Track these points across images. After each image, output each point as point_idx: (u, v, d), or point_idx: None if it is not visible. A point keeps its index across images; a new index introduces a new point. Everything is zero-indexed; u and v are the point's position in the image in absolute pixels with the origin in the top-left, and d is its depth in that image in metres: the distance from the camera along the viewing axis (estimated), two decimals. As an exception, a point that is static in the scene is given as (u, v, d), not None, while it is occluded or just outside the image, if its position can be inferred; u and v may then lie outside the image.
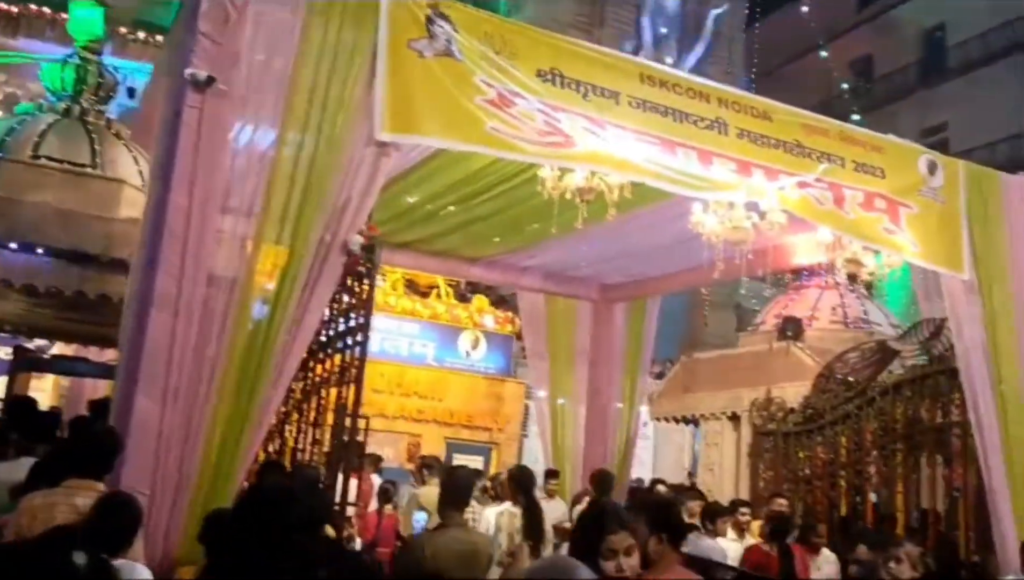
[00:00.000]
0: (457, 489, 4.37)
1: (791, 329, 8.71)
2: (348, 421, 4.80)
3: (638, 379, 11.13)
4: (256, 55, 4.55)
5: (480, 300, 14.39)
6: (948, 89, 23.15)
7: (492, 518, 7.09)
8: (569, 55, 5.42)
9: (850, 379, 7.30)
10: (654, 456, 17.03)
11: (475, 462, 13.25)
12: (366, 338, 5.01)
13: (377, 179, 4.83)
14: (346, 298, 4.95)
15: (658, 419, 10.62)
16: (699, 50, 26.51)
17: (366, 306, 4.93)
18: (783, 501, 6.80)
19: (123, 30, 13.26)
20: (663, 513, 3.11)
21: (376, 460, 8.92)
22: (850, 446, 7.34)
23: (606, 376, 11.01)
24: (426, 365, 13.62)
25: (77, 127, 7.02)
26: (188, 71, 4.36)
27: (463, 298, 14.48)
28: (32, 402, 5.45)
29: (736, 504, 7.13)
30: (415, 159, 7.30)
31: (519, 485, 7.19)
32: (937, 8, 24.44)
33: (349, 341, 4.99)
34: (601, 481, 8.08)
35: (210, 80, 4.35)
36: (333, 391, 4.95)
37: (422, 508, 7.14)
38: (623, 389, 11.04)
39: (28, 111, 7.30)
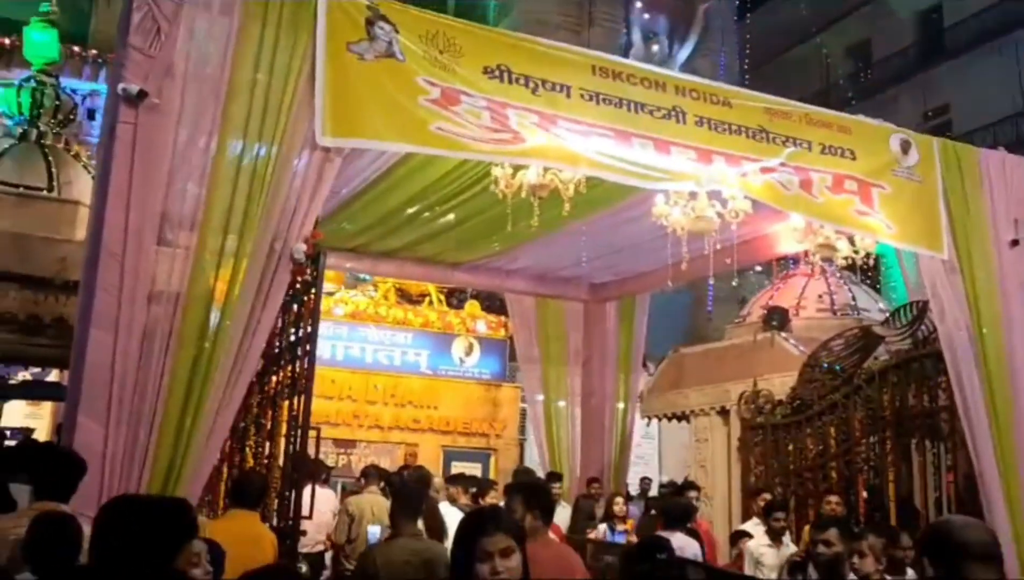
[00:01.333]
0: (408, 497, 4.25)
1: (776, 319, 8.55)
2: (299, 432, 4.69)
3: (631, 378, 11.03)
4: (191, 64, 4.47)
5: (472, 306, 14.30)
6: (948, 71, 22.87)
7: None
8: (517, 51, 5.33)
9: (836, 368, 7.14)
10: (659, 455, 16.91)
11: (474, 469, 13.16)
12: (313, 348, 4.90)
13: (323, 184, 4.74)
14: (295, 307, 4.83)
15: (648, 418, 10.47)
16: (690, 44, 26.34)
17: (313, 315, 4.83)
18: (767, 495, 6.65)
19: (76, 49, 13.21)
20: (536, 493, 3.64)
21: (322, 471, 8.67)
22: (839, 436, 7.18)
23: (600, 376, 10.91)
24: (420, 374, 13.55)
25: (34, 151, 6.97)
26: (120, 86, 4.28)
27: (456, 304, 14.40)
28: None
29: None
30: (383, 165, 7.28)
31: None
32: (931, -11, 24.25)
33: (299, 352, 4.88)
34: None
35: (142, 94, 4.27)
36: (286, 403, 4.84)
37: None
38: (617, 388, 10.96)
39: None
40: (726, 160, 5.73)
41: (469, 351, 13.95)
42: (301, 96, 4.63)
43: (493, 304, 14.21)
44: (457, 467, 12.82)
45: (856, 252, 6.36)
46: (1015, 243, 6.45)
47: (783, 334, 8.45)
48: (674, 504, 6.42)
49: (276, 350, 4.81)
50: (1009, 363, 6.29)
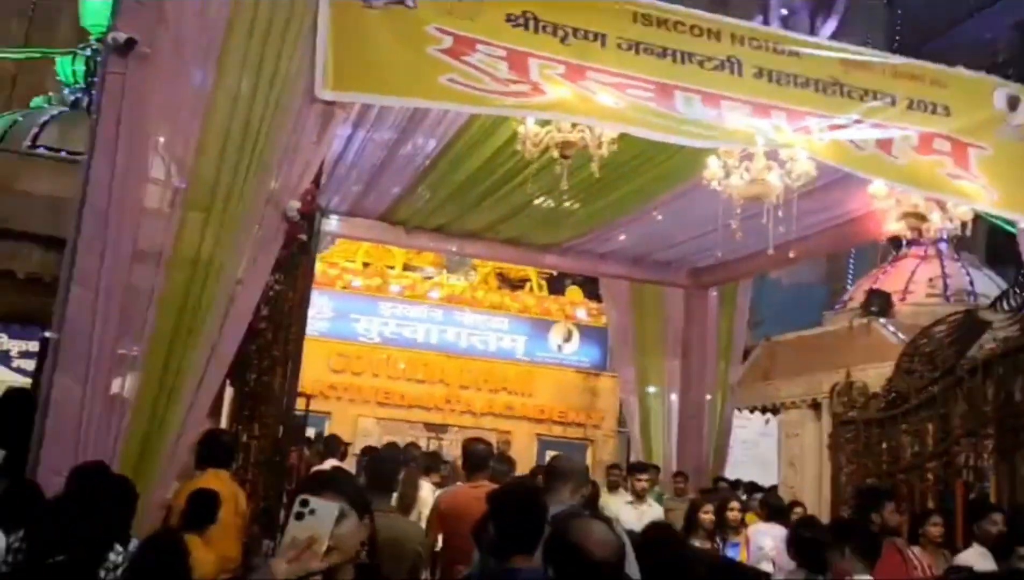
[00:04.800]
0: (380, 472, 3.93)
1: (876, 304, 7.68)
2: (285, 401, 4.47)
3: (731, 369, 10.35)
4: (185, 13, 4.30)
5: (574, 292, 13.86)
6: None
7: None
8: (546, -4, 4.88)
9: (936, 358, 6.30)
10: (779, 456, 15.88)
11: (570, 460, 12.74)
12: (304, 312, 4.66)
13: (324, 140, 4.51)
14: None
15: (738, 410, 9.74)
16: (832, 25, 24.84)
17: (305, 278, 4.59)
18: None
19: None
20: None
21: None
22: (937, 434, 6.33)
23: (699, 367, 10.26)
24: (516, 360, 13.24)
25: (81, 117, 7.09)
26: (110, 35, 4.17)
27: (557, 290, 14.01)
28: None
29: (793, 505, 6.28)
30: (441, 139, 7.00)
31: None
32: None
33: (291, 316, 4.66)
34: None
35: (130, 43, 4.13)
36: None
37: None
38: (717, 380, 10.31)
39: (39, 105, 7.51)
40: (787, 116, 5.09)
41: (568, 338, 13.52)
42: (302, 47, 4.39)
43: (595, 291, 13.73)
44: (551, 457, 12.44)
45: (950, 221, 5.54)
46: None
47: (883, 321, 7.59)
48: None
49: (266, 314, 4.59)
50: None
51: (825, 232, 8.02)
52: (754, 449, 15.36)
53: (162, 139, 4.22)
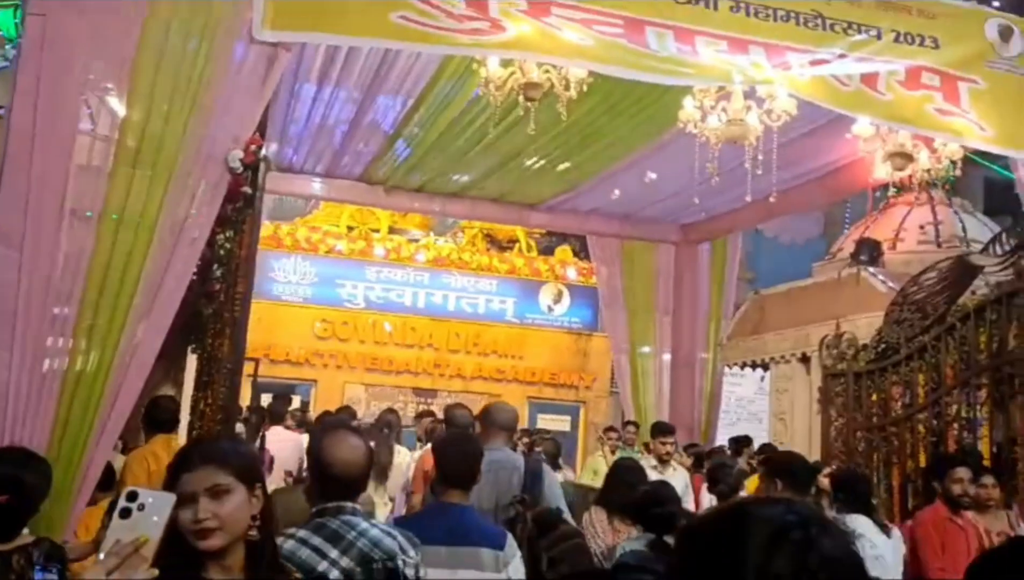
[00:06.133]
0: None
1: (865, 252, 7.40)
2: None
3: (722, 326, 10.13)
4: (111, -51, 3.99)
5: (563, 252, 13.58)
6: None
7: None
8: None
9: (926, 306, 6.04)
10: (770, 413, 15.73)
11: (562, 422, 12.58)
12: (251, 269, 4.40)
13: (268, 84, 4.20)
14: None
15: (728, 366, 9.51)
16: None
17: (251, 235, 4.32)
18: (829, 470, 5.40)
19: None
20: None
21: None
22: (928, 384, 6.09)
23: (690, 324, 10.07)
24: (505, 322, 13.01)
25: None
26: (28, -26, 3.87)
27: (547, 250, 13.73)
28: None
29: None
30: (411, 93, 6.73)
31: None
32: None
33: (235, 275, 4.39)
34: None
35: (50, -19, 3.83)
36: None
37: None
38: (708, 337, 10.10)
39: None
40: (766, 51, 4.77)
41: (558, 299, 13.27)
42: (239, -18, 4.08)
43: (586, 249, 13.46)
44: (543, 420, 12.26)
45: (938, 161, 5.24)
46: None
47: (872, 270, 7.32)
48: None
49: (219, 274, 4.33)
50: None
51: (811, 183, 7.76)
52: (749, 406, 15.20)
53: (89, 86, 3.93)
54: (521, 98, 5.00)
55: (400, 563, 2.56)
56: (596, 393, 13.02)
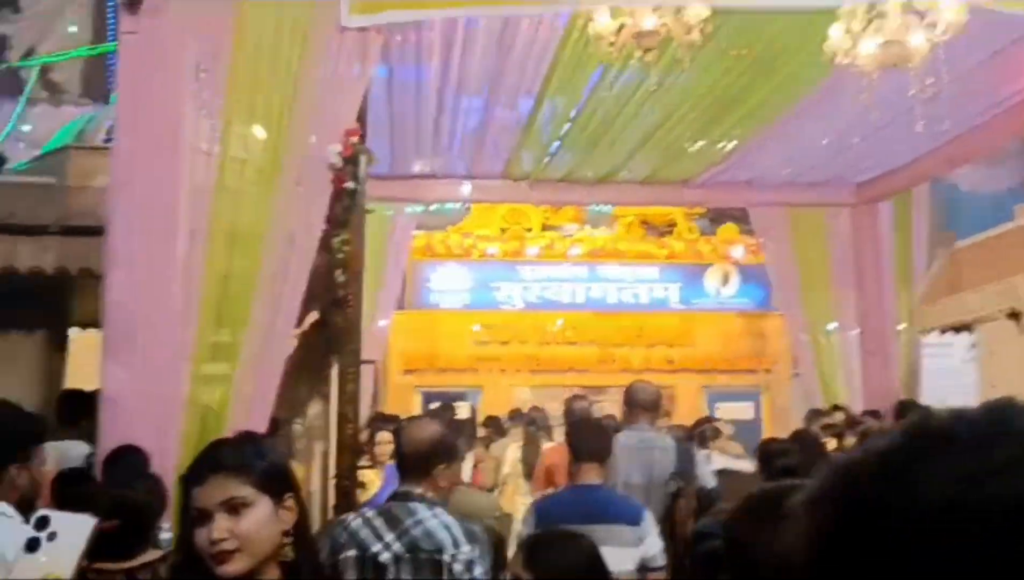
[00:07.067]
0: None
1: (1081, 186, 6.28)
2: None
3: (912, 291, 9.11)
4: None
5: (728, 229, 12.76)
6: None
7: None
8: None
9: None
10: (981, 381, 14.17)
11: (744, 410, 11.80)
12: (359, 270, 4.10)
13: (363, 73, 3.93)
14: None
15: (923, 332, 8.49)
16: None
17: (356, 231, 4.02)
18: None
19: None
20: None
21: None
22: None
23: (876, 294, 9.12)
24: (670, 310, 12.38)
25: None
26: (119, -7, 3.77)
27: (710, 230, 12.96)
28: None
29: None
30: (536, 77, 6.39)
31: None
32: None
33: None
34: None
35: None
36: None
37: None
38: (898, 305, 9.12)
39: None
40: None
41: (726, 281, 12.50)
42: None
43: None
44: (722, 409, 11.52)
45: None
46: None
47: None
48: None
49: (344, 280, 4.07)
50: None
51: (999, 117, 6.76)
52: (955, 377, 13.76)
53: (187, 99, 3.78)
54: (639, 52, 4.45)
55: (447, 557, 2.55)
56: (777, 377, 12.12)
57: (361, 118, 4.10)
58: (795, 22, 5.29)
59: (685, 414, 10.75)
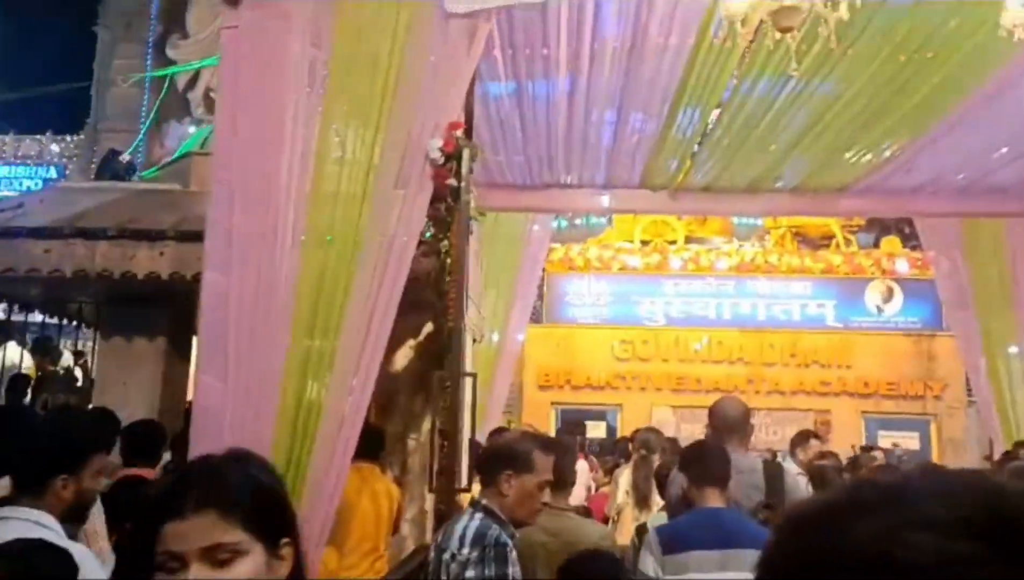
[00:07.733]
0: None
1: None
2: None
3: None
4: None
5: (890, 242, 11.77)
6: None
7: None
8: None
9: None
10: None
11: (909, 439, 10.79)
12: (462, 277, 3.79)
13: (468, 65, 3.66)
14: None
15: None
16: None
17: (458, 233, 3.72)
18: None
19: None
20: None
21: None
22: None
23: (1066, 312, 8.14)
24: (826, 328, 11.50)
25: None
26: (220, -13, 3.67)
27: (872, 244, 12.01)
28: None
29: None
30: (671, 81, 5.98)
31: None
32: None
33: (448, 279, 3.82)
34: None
35: (238, -9, 3.60)
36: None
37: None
38: (1093, 327, 8.08)
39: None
40: None
41: (888, 297, 11.51)
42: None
43: (918, 236, 11.57)
44: (885, 438, 10.57)
45: None
46: None
47: None
48: None
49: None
50: None
51: None
52: None
53: (287, 95, 3.62)
54: (776, 35, 3.94)
55: (448, 556, 2.68)
56: (949, 403, 11.02)
57: (468, 115, 3.83)
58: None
59: (842, 440, 9.94)
